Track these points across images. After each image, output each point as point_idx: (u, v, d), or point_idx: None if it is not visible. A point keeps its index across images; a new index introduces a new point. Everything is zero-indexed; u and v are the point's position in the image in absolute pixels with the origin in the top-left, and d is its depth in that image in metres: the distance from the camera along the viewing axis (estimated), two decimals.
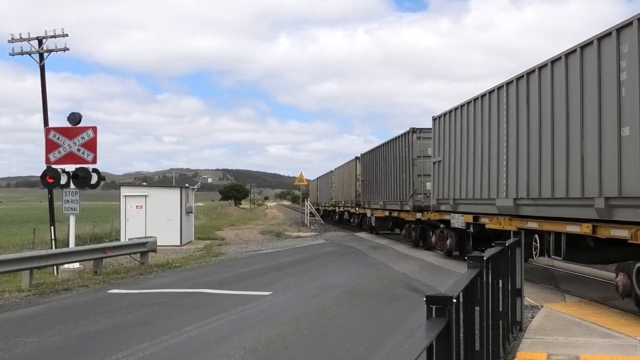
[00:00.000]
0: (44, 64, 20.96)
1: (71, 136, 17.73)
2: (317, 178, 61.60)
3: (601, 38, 9.91)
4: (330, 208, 49.89)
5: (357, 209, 36.38)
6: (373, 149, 31.50)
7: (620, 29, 9.38)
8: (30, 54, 20.84)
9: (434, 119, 20.11)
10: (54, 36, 20.70)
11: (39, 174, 18.06)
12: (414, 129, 23.08)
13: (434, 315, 3.28)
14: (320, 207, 55.03)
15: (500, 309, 6.49)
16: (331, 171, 49.44)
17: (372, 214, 31.20)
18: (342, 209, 43.71)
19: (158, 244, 19.21)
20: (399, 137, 25.21)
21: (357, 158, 36.65)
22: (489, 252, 6.12)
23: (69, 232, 18.34)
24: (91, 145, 17.68)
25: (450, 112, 18.36)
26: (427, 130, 21.77)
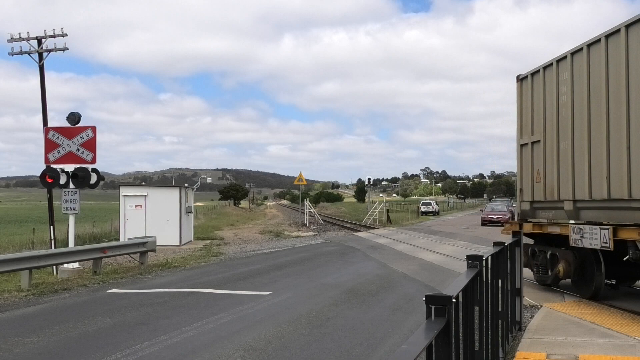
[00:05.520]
0: (43, 64, 20.95)
1: (70, 136, 17.74)
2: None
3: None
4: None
5: None
6: None
7: None
8: (29, 54, 20.84)
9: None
10: (54, 36, 20.70)
11: (39, 174, 18.05)
12: None
13: (433, 315, 3.27)
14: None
15: (500, 309, 6.49)
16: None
17: None
18: None
19: (157, 243, 19.22)
20: None
21: None
22: (488, 252, 6.11)
23: (68, 231, 18.35)
24: (90, 145, 17.68)
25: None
26: None
